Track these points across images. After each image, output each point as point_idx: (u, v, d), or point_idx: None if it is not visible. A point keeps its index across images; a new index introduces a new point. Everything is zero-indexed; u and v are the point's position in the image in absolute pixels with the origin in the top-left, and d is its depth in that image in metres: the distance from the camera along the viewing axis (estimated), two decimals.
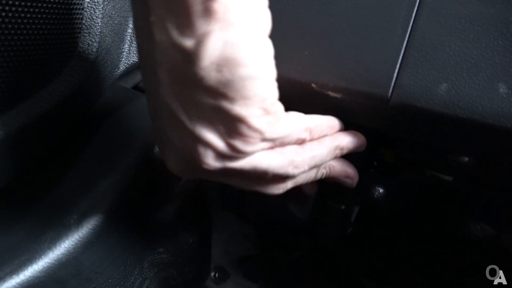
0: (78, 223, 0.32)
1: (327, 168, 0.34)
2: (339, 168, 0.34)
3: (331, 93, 0.33)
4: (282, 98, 0.37)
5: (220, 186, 0.46)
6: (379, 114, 0.32)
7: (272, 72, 0.25)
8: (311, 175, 0.33)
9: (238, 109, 0.24)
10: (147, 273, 0.40)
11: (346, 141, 0.33)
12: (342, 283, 0.56)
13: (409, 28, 0.31)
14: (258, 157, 0.28)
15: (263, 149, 0.28)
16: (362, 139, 0.35)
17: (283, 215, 0.39)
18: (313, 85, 0.34)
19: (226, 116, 0.24)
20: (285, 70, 0.35)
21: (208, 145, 0.25)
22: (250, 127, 0.25)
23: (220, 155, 0.26)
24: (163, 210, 0.41)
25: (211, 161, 0.26)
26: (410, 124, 0.32)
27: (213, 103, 0.24)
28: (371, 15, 0.33)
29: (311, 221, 0.38)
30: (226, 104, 0.24)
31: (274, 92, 0.26)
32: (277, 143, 0.28)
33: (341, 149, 0.33)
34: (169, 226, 0.41)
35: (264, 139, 0.27)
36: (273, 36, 0.37)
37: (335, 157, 0.33)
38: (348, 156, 0.37)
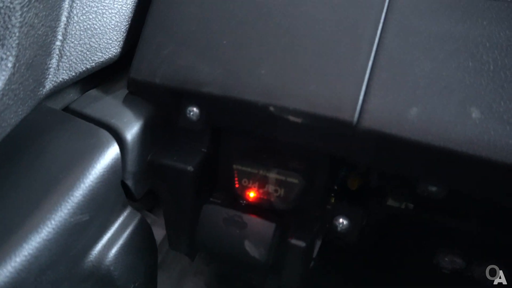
0: None
1: None
2: None
3: (291, 118, 0.29)
4: (238, 121, 0.33)
5: (167, 222, 0.40)
6: (344, 141, 0.29)
7: None
8: None
9: None
10: None
11: None
12: None
13: (375, 45, 0.28)
14: None
15: None
16: None
17: (239, 256, 0.34)
18: (271, 108, 0.30)
19: None
20: (239, 90, 0.31)
21: None
22: None
23: None
24: (99, 253, 0.35)
25: None
26: (378, 152, 0.28)
27: None
28: (334, 31, 0.30)
29: (269, 261, 0.33)
30: None
31: None
32: None
33: None
34: (104, 273, 0.35)
35: None
36: (225, 49, 0.33)
37: None
38: (309, 185, 0.33)
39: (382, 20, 0.29)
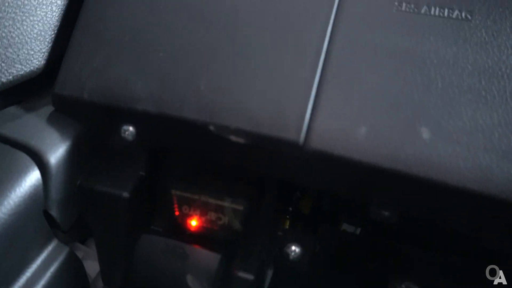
0: None
1: None
2: None
3: (233, 138, 0.27)
4: (176, 141, 0.30)
5: (100, 255, 0.36)
6: (291, 162, 0.27)
7: None
8: None
9: None
10: None
11: None
12: None
13: (322, 60, 0.26)
14: None
15: None
16: None
17: None
18: (211, 127, 0.27)
19: None
20: (177, 107, 0.28)
21: None
22: None
23: None
24: None
25: None
26: (327, 174, 0.26)
27: None
28: (279, 44, 0.28)
29: None
30: None
31: None
32: None
33: None
34: None
35: None
36: (161, 61, 0.30)
37: None
38: (256, 211, 0.31)
39: (328, 33, 0.27)
